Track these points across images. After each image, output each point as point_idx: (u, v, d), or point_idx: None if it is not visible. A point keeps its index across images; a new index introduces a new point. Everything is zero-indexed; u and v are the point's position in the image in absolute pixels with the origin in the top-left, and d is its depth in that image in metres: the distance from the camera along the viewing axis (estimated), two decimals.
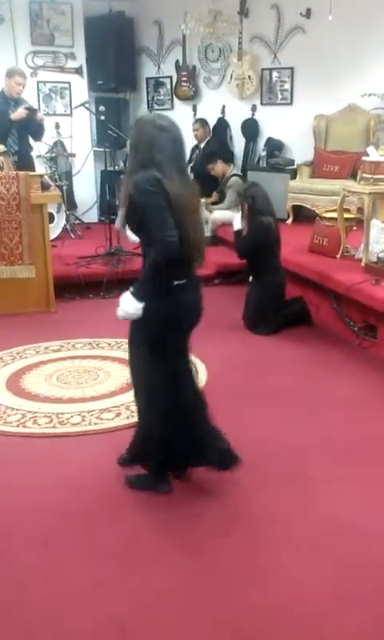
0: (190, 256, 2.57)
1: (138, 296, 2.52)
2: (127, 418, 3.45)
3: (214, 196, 7.00)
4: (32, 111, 5.90)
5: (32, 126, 5.99)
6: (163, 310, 2.56)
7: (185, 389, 2.74)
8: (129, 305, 2.54)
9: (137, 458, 2.86)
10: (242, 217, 4.93)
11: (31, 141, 6.27)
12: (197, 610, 2.15)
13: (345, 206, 5.36)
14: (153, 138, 2.47)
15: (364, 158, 5.08)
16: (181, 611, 2.14)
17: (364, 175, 5.00)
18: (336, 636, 2.05)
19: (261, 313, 4.85)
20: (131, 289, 2.55)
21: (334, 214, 5.42)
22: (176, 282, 2.56)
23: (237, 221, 4.98)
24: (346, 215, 5.39)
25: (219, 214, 6.79)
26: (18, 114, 5.81)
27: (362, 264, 4.89)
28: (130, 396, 3.66)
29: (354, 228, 5.58)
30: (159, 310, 2.55)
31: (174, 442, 2.71)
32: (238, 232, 4.95)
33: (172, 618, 2.12)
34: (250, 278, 5.09)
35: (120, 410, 3.56)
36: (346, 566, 2.36)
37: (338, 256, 5.27)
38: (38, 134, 6.17)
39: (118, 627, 2.08)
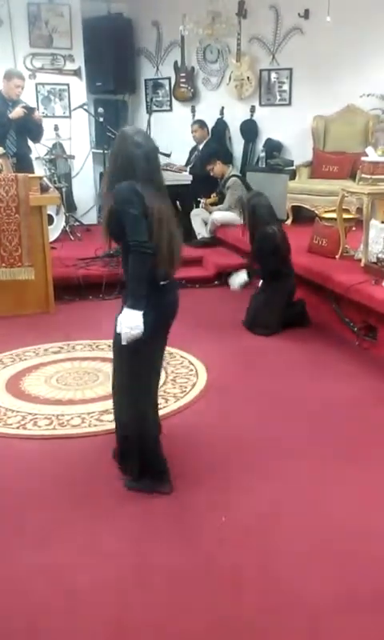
0: (167, 264, 2.63)
1: (136, 307, 2.53)
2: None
3: (214, 197, 7.00)
4: (30, 110, 5.90)
5: (30, 127, 5.99)
6: (153, 309, 2.59)
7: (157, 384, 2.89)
8: (130, 320, 2.53)
9: (133, 463, 2.85)
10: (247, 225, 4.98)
11: (30, 143, 6.28)
12: (194, 612, 2.14)
13: (344, 207, 5.36)
14: (131, 153, 2.57)
15: (363, 159, 5.09)
16: (178, 613, 2.14)
17: (363, 175, 5.00)
18: (335, 636, 2.04)
19: (264, 315, 4.84)
20: (127, 304, 2.55)
21: (333, 215, 5.43)
22: (162, 283, 2.64)
23: (241, 276, 5.07)
24: (345, 215, 5.40)
25: (219, 215, 6.79)
26: (16, 112, 5.82)
27: (362, 264, 4.89)
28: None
29: (353, 228, 5.59)
30: (149, 310, 2.57)
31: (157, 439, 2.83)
32: (251, 272, 5.05)
33: (169, 620, 2.11)
34: (260, 282, 5.08)
35: None
36: (345, 565, 2.36)
37: (337, 256, 5.28)
38: (36, 134, 6.17)
39: (114, 628, 2.08)
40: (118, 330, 2.56)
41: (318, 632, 2.06)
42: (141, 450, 2.79)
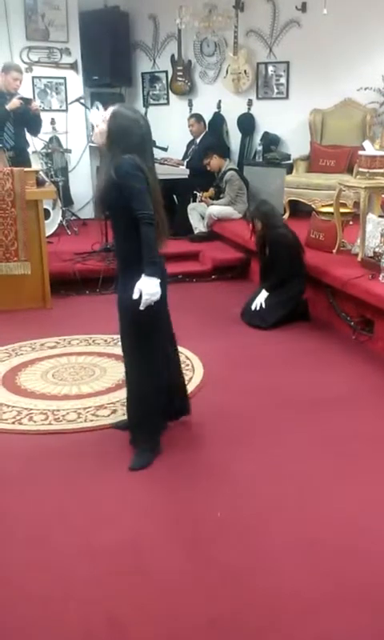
0: (162, 235, 2.86)
1: (154, 275, 2.73)
2: (123, 414, 3.44)
3: (211, 191, 6.99)
4: (26, 101, 5.87)
5: (28, 119, 5.95)
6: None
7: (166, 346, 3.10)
8: (151, 286, 2.73)
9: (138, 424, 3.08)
10: (256, 234, 4.99)
11: (28, 136, 6.25)
12: (191, 608, 2.15)
13: (341, 201, 5.35)
14: (126, 125, 2.74)
15: (360, 152, 5.07)
16: (175, 609, 2.14)
17: (360, 169, 4.98)
18: (332, 631, 2.05)
19: (269, 308, 4.83)
20: (145, 272, 2.72)
21: (331, 209, 5.41)
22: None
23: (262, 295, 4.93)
24: (342, 210, 5.38)
25: (216, 209, 6.78)
26: (13, 103, 5.77)
27: (359, 259, 4.89)
28: (124, 393, 3.67)
29: (351, 223, 5.58)
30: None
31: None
32: (270, 287, 4.94)
33: (166, 616, 2.11)
34: (264, 284, 5.06)
35: (116, 406, 3.55)
36: (342, 560, 2.36)
37: (334, 251, 5.27)
38: (34, 126, 6.14)
39: (111, 624, 2.08)
40: (136, 296, 2.73)
41: (311, 627, 2.06)
42: (139, 406, 3.03)
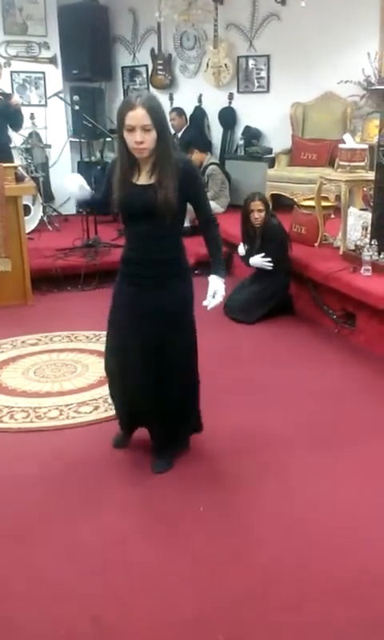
0: None
1: (223, 276, 2.80)
2: (105, 411, 3.43)
3: None
4: (6, 96, 5.80)
5: (9, 114, 5.88)
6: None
7: None
8: (223, 288, 2.78)
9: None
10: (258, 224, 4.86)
11: (10, 132, 6.18)
12: (174, 605, 2.14)
13: (322, 194, 5.34)
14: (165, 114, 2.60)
15: (340, 146, 5.06)
16: (158, 606, 2.13)
17: (341, 163, 4.98)
18: (316, 624, 2.05)
19: (254, 306, 4.82)
20: (221, 274, 2.79)
21: (312, 203, 5.40)
22: None
23: (241, 248, 5.00)
24: (324, 203, 5.38)
25: None
26: None
27: (340, 252, 4.89)
28: (106, 389, 3.65)
29: (332, 216, 5.58)
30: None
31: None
32: (245, 257, 4.97)
33: (149, 613, 2.10)
34: (252, 274, 5.04)
35: (98, 403, 3.53)
36: (325, 552, 2.36)
37: (316, 244, 5.26)
38: (16, 122, 6.08)
39: (95, 622, 2.06)
40: (212, 299, 2.75)
41: (298, 621, 2.06)
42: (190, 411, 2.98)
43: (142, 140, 2.45)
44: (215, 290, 2.74)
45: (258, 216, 4.79)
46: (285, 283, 4.91)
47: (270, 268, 4.82)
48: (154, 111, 2.44)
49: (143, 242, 2.68)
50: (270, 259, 4.81)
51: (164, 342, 2.73)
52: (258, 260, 4.84)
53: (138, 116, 2.41)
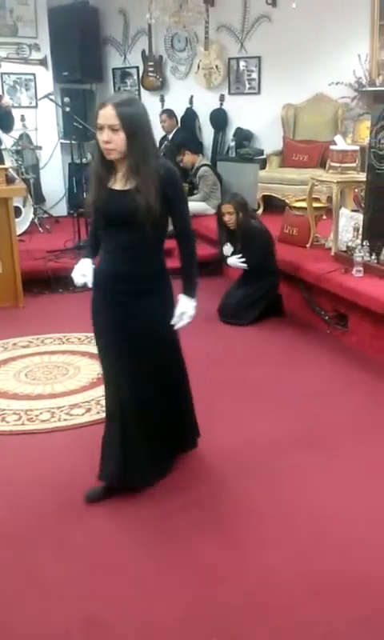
0: None
1: (194, 296, 2.63)
2: (97, 413, 3.41)
3: (184, 187, 6.93)
4: None
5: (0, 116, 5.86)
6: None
7: None
8: (193, 309, 2.62)
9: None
10: (236, 226, 4.83)
11: (0, 133, 6.15)
12: (168, 606, 2.13)
13: (314, 196, 5.35)
14: (147, 119, 2.44)
15: (332, 147, 5.07)
16: (152, 607, 2.12)
17: (332, 164, 4.99)
18: (309, 625, 2.04)
19: (245, 308, 4.81)
20: (191, 294, 2.62)
21: (304, 204, 5.41)
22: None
23: (226, 248, 4.95)
24: (316, 204, 5.38)
25: (190, 205, 6.71)
26: None
27: (332, 253, 4.89)
28: (99, 391, 3.64)
29: (324, 217, 5.59)
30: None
31: None
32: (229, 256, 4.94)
33: (143, 614, 2.09)
34: (240, 276, 5.03)
35: (90, 405, 3.51)
36: (318, 553, 2.36)
37: (307, 245, 5.27)
38: (7, 123, 6.05)
39: (89, 624, 2.05)
40: (178, 320, 2.59)
41: (287, 618, 2.05)
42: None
43: (108, 140, 2.32)
44: (183, 311, 2.58)
45: (228, 219, 4.79)
46: (272, 284, 4.90)
47: (245, 267, 4.83)
48: (125, 112, 2.29)
49: (119, 254, 2.50)
50: (244, 259, 4.81)
51: (139, 360, 2.59)
52: (234, 260, 4.87)
53: (106, 115, 2.30)
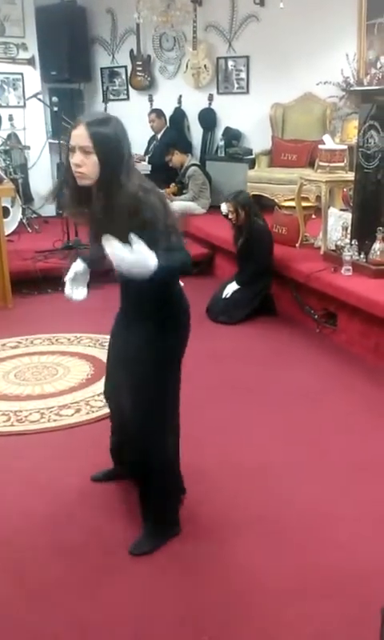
0: None
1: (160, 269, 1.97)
2: (87, 413, 3.40)
3: (173, 187, 6.95)
4: None
5: None
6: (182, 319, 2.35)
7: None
8: (142, 260, 1.93)
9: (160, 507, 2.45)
10: (236, 225, 4.83)
11: None
12: (159, 606, 2.12)
13: (303, 195, 5.36)
14: (127, 139, 2.11)
15: (320, 147, 5.09)
16: (142, 610, 2.11)
17: (320, 163, 5.00)
18: (298, 624, 2.04)
19: (237, 304, 4.81)
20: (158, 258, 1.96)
21: (293, 203, 5.42)
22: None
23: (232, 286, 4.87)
24: (305, 204, 5.39)
25: (177, 205, 6.72)
26: None
27: (321, 252, 4.90)
28: (89, 391, 3.63)
29: (313, 216, 5.59)
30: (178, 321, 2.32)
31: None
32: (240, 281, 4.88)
33: (134, 615, 2.09)
34: (234, 276, 5.03)
35: (80, 405, 3.50)
36: (307, 553, 2.36)
37: (297, 245, 5.27)
38: None
39: (78, 628, 2.04)
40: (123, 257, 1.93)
41: (280, 618, 2.05)
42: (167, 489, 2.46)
43: (78, 163, 2.04)
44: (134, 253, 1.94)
45: (231, 217, 4.78)
46: (266, 285, 4.91)
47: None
48: (99, 133, 2.02)
49: (121, 287, 2.29)
50: (247, 261, 4.85)
51: (120, 388, 2.41)
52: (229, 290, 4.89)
53: (78, 135, 2.04)
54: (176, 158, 6.94)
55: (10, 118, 7.43)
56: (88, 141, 2.03)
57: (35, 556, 2.37)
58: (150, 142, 7.60)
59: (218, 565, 2.31)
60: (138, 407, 2.32)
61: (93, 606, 2.12)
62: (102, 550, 2.40)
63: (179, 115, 7.94)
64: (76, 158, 2.05)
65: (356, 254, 4.46)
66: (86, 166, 2.05)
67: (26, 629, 2.05)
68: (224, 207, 4.81)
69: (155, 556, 2.36)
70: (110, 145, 2.05)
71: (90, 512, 2.61)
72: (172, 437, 2.44)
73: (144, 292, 2.19)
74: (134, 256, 1.91)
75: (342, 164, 4.92)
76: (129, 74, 8.19)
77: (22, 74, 7.69)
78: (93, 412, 3.40)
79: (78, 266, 2.33)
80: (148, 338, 2.25)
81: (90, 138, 2.03)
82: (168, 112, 7.81)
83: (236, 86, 7.61)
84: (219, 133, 7.73)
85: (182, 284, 2.37)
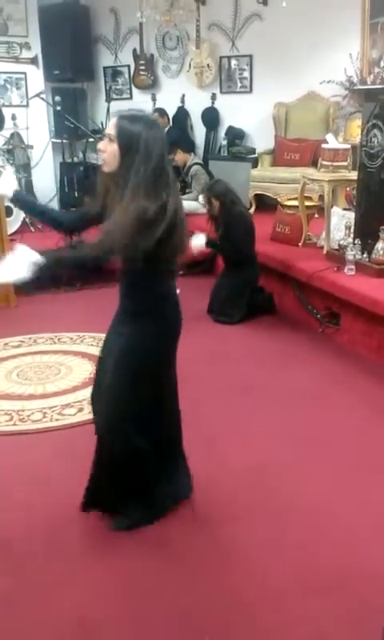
0: None
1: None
2: (89, 413, 3.37)
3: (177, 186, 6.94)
4: None
5: None
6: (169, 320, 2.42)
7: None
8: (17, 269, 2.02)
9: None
10: (212, 215, 4.85)
11: None
12: (161, 605, 2.12)
13: (306, 194, 5.35)
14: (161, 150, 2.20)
15: (323, 146, 5.07)
16: (141, 608, 2.12)
17: (323, 163, 4.99)
18: (296, 621, 2.04)
19: (231, 302, 4.82)
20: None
21: (296, 202, 5.41)
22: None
23: (197, 241, 4.59)
24: (307, 203, 5.38)
25: (184, 206, 6.74)
26: None
27: (324, 251, 4.89)
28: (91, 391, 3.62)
29: (316, 216, 5.59)
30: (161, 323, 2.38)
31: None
32: (211, 242, 4.74)
33: (133, 614, 2.09)
34: (223, 269, 5.03)
35: (82, 405, 3.50)
36: (308, 552, 2.36)
37: (300, 244, 5.27)
38: None
39: (78, 625, 2.05)
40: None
41: (279, 617, 2.05)
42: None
43: (101, 147, 2.21)
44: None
45: (206, 208, 4.85)
46: (254, 275, 4.89)
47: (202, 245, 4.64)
48: (125, 127, 2.15)
49: (122, 274, 2.35)
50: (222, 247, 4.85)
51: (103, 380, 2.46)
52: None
53: (110, 123, 2.21)
54: (179, 157, 6.93)
55: (13, 118, 7.42)
56: (113, 129, 2.18)
57: (35, 555, 2.37)
58: None
59: (218, 564, 2.31)
60: (109, 398, 2.39)
61: (93, 606, 2.12)
62: (102, 550, 2.40)
63: (182, 114, 7.94)
64: (102, 143, 2.22)
65: (359, 253, 4.45)
66: (106, 153, 2.20)
67: (26, 629, 2.05)
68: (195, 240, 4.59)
69: (155, 556, 2.36)
70: (132, 141, 2.15)
71: (92, 513, 2.60)
72: (138, 434, 2.42)
73: (131, 293, 2.33)
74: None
75: (345, 163, 4.91)
76: (132, 73, 8.18)
77: (25, 73, 7.70)
78: None
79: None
80: (131, 339, 2.34)
81: (115, 126, 2.18)
82: (171, 111, 7.81)
83: (239, 85, 7.60)
84: (222, 132, 7.73)
85: (178, 290, 2.41)
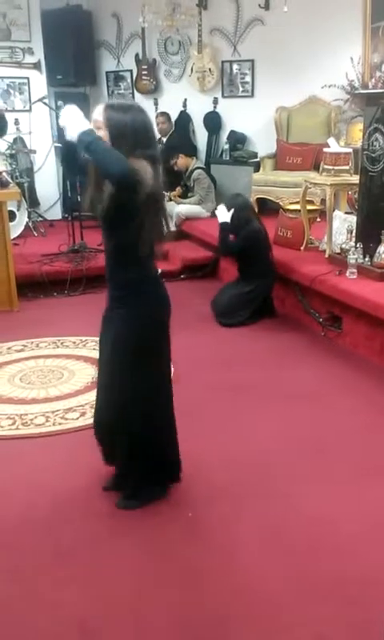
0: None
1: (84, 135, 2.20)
2: (92, 417, 3.39)
3: (178, 190, 6.96)
4: None
5: None
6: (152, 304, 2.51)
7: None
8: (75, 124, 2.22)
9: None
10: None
11: None
12: (160, 610, 2.12)
13: (308, 198, 5.36)
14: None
15: (325, 150, 5.09)
16: (141, 611, 2.12)
17: (325, 167, 5.00)
18: (296, 626, 2.04)
19: (237, 307, 4.82)
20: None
21: (298, 206, 5.42)
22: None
23: (222, 212, 4.88)
24: (309, 207, 5.40)
25: (184, 208, 6.76)
26: None
27: (326, 255, 4.90)
28: (94, 395, 3.63)
29: (318, 219, 5.60)
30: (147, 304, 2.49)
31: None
32: (224, 224, 4.85)
33: (133, 618, 2.09)
34: (238, 277, 5.05)
35: (85, 409, 3.51)
36: (307, 556, 2.36)
37: (302, 248, 5.28)
38: (0, 127, 6.05)
39: (79, 627, 2.05)
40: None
41: (279, 620, 2.05)
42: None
43: None
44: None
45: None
46: (268, 287, 4.91)
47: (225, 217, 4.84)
48: (113, 114, 2.26)
49: (106, 257, 2.49)
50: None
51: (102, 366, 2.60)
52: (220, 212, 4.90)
53: (97, 110, 2.31)
54: (181, 161, 6.95)
55: (16, 122, 7.46)
56: (101, 116, 2.28)
57: (36, 559, 2.37)
58: None
59: (218, 566, 2.31)
60: (108, 388, 2.55)
61: (93, 606, 2.13)
62: (102, 552, 2.40)
63: (184, 119, 7.96)
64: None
65: (361, 256, 4.46)
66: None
67: (26, 631, 2.05)
68: (220, 209, 4.85)
69: (155, 557, 2.36)
70: (119, 127, 2.26)
71: (93, 517, 2.61)
72: (147, 415, 2.57)
73: (115, 274, 2.44)
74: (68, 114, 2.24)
75: (346, 167, 4.92)
76: (134, 78, 8.21)
77: (27, 78, 7.74)
78: None
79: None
80: (119, 326, 2.46)
81: (104, 115, 2.27)
82: (173, 115, 7.83)
83: (241, 89, 7.62)
84: (224, 136, 7.74)
85: (159, 271, 2.52)
